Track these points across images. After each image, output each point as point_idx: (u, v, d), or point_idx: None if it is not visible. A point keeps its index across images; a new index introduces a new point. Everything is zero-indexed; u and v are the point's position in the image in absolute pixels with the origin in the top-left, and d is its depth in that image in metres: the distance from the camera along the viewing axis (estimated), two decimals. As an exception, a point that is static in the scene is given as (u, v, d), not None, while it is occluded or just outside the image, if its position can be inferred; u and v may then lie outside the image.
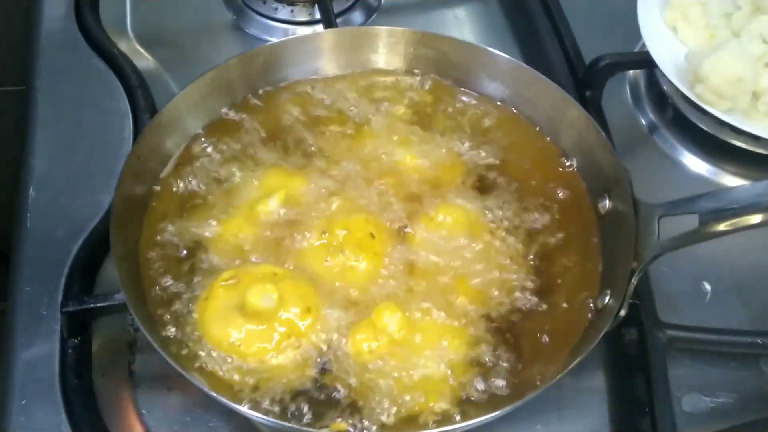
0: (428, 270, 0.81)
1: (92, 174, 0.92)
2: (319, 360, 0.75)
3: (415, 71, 0.95)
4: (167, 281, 0.79)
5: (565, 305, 0.79)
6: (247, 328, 0.74)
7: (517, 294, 0.80)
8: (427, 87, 0.94)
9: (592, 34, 1.07)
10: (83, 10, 1.07)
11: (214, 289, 0.77)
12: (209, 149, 0.88)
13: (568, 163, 0.88)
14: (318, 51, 0.94)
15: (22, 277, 0.84)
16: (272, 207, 0.83)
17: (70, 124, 0.97)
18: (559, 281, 0.81)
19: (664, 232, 0.75)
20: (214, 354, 0.75)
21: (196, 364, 0.74)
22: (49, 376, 0.78)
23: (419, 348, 0.75)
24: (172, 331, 0.76)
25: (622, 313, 0.74)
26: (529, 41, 1.09)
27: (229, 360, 0.74)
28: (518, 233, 0.84)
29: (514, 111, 0.92)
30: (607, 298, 0.77)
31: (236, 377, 0.74)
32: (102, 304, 0.78)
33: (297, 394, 0.73)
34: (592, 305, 0.79)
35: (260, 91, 0.93)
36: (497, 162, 0.89)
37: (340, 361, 0.75)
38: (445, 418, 0.72)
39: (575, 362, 0.71)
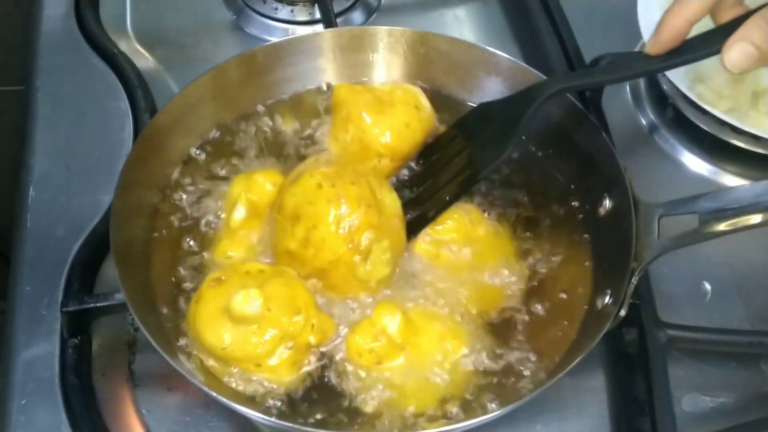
0: (427, 270, 0.81)
1: (92, 174, 0.92)
2: (316, 360, 0.75)
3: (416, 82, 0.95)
4: (168, 281, 0.79)
5: (564, 306, 0.79)
6: (237, 333, 0.73)
7: (517, 295, 0.80)
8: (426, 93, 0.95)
9: (592, 34, 1.07)
10: (83, 10, 1.07)
11: (203, 292, 0.75)
12: (209, 150, 0.89)
13: (567, 163, 0.89)
14: (318, 51, 0.94)
15: (22, 277, 0.84)
16: (239, 215, 0.82)
17: (70, 124, 0.97)
18: (559, 281, 0.81)
19: (664, 232, 0.75)
20: (210, 356, 0.75)
21: (197, 364, 0.74)
22: (49, 376, 0.78)
23: (419, 348, 0.75)
24: (172, 330, 0.76)
25: (622, 313, 0.74)
26: (529, 41, 1.09)
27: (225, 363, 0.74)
28: (517, 233, 0.84)
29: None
30: (607, 298, 0.77)
31: (235, 377, 0.74)
32: (102, 304, 0.78)
33: (296, 395, 0.74)
34: (592, 305, 0.79)
35: (261, 91, 0.93)
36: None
37: (339, 362, 0.75)
38: (444, 418, 0.72)
39: (575, 362, 0.71)
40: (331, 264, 0.76)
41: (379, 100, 0.86)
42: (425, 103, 0.88)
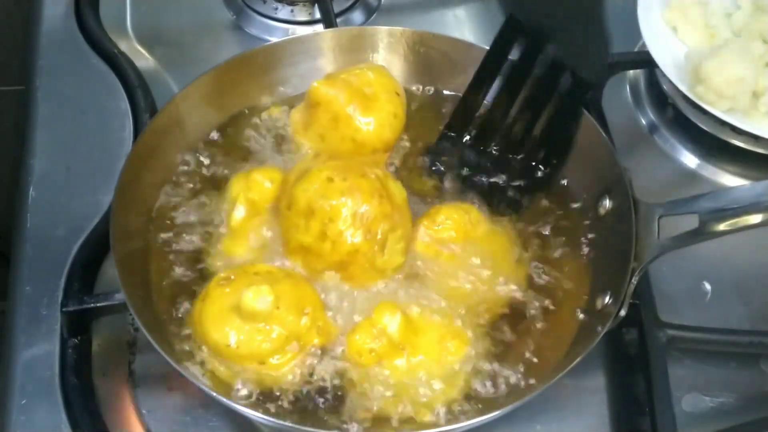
0: (427, 270, 0.81)
1: (92, 174, 0.92)
2: (318, 361, 0.75)
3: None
4: (168, 281, 0.79)
5: (564, 306, 0.79)
6: (244, 330, 0.73)
7: (517, 294, 0.80)
8: (425, 93, 0.95)
9: (592, 34, 1.07)
10: (83, 10, 1.07)
11: (211, 290, 0.76)
12: (209, 149, 0.89)
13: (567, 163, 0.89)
14: (318, 51, 0.94)
15: (22, 277, 0.85)
16: (240, 215, 0.82)
17: (70, 124, 0.97)
18: (559, 281, 0.81)
19: (664, 232, 0.75)
20: (213, 354, 0.75)
21: (197, 364, 0.74)
22: (49, 376, 0.78)
23: (419, 349, 0.75)
24: (172, 330, 0.76)
25: (622, 313, 0.74)
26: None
27: (228, 361, 0.74)
28: (517, 233, 0.84)
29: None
30: (607, 298, 0.77)
31: (236, 377, 0.74)
32: (102, 304, 0.78)
33: (297, 395, 0.73)
34: (592, 305, 0.79)
35: (261, 91, 0.93)
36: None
37: (340, 362, 0.75)
38: (444, 418, 0.72)
39: (575, 362, 0.71)
40: (350, 255, 0.77)
41: (361, 94, 0.86)
42: (399, 86, 0.89)
